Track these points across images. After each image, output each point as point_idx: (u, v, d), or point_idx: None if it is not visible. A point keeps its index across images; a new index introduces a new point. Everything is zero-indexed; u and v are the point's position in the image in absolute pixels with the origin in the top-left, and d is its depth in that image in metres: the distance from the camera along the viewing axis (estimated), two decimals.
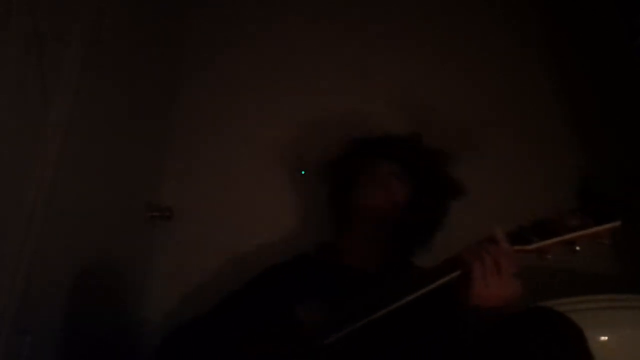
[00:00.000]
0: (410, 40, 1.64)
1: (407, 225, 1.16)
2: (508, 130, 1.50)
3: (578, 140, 1.45)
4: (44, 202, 0.93)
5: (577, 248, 0.78)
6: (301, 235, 1.43)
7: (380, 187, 1.16)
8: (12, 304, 0.86)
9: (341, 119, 1.54)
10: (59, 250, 0.99)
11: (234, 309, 1.07)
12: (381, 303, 0.82)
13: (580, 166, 1.37)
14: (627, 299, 0.99)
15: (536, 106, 1.53)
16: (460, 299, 0.81)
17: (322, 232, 1.31)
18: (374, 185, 1.17)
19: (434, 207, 1.21)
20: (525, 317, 0.81)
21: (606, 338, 0.87)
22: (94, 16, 1.10)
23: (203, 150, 1.59)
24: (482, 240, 0.83)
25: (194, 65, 1.67)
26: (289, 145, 1.53)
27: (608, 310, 0.97)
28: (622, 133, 1.41)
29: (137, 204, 1.40)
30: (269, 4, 1.73)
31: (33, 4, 0.92)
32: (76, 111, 1.02)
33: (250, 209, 1.49)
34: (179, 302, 1.40)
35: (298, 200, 1.48)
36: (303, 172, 1.49)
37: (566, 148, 1.45)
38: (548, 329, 0.76)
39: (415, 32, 1.65)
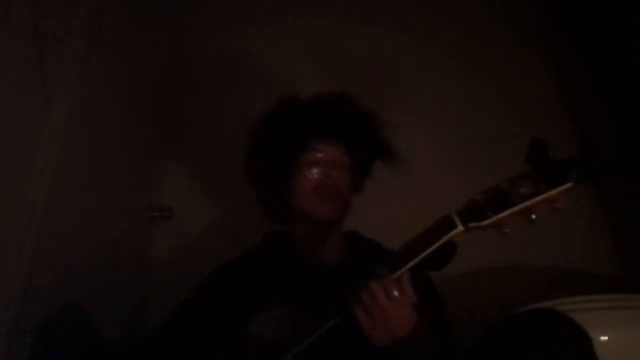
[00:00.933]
0: (410, 40, 1.64)
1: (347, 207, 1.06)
2: (508, 130, 1.50)
3: (578, 140, 1.45)
4: (44, 201, 0.93)
5: (533, 216, 0.73)
6: None
7: (337, 196, 1.01)
8: (12, 304, 0.87)
9: None
10: (58, 250, 0.99)
11: (186, 318, 0.99)
12: (319, 323, 0.80)
13: None
14: (627, 299, 0.99)
15: (536, 106, 1.53)
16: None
17: None
18: (332, 194, 1.01)
19: (366, 174, 1.11)
20: (525, 318, 0.81)
21: (606, 338, 0.87)
22: (93, 16, 1.10)
23: (203, 150, 1.59)
24: (363, 281, 0.78)
25: (194, 65, 1.67)
26: None
27: (608, 310, 0.97)
28: (622, 133, 1.41)
29: (137, 204, 1.40)
30: (269, 4, 1.73)
31: (33, 4, 0.92)
32: (76, 111, 1.02)
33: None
34: (179, 302, 1.39)
35: None
36: None
37: (566, 147, 1.45)
38: (548, 329, 0.76)
39: (415, 32, 1.65)
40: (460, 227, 0.76)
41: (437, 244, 0.77)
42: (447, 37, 1.63)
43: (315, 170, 1.02)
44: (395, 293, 0.76)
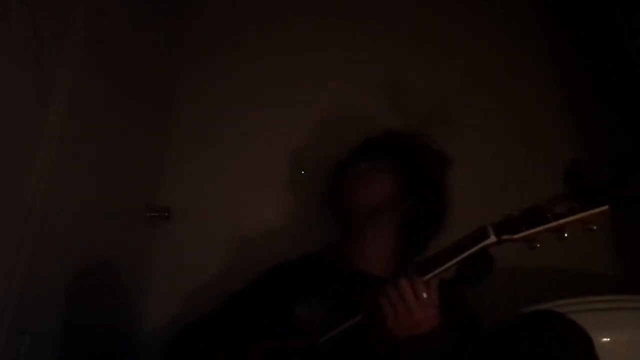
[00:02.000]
0: (411, 40, 1.64)
1: (410, 214, 1.13)
2: (508, 129, 1.50)
3: (578, 140, 1.45)
4: (42, 201, 0.93)
5: (566, 235, 0.75)
6: (301, 236, 1.43)
7: (360, 185, 1.15)
8: (10, 304, 0.86)
9: (339, 117, 1.54)
10: (57, 250, 0.99)
11: (239, 308, 1.07)
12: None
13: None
14: (628, 300, 0.99)
15: (536, 105, 1.52)
16: (378, 337, 0.82)
17: (323, 233, 1.31)
18: (355, 184, 1.15)
19: (429, 183, 1.18)
20: (526, 319, 0.81)
21: (608, 339, 0.86)
22: (93, 16, 1.10)
23: (202, 150, 1.58)
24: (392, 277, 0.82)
25: (193, 66, 1.66)
26: (289, 145, 1.53)
27: (609, 312, 0.97)
28: (622, 133, 1.40)
29: (136, 204, 1.40)
30: (269, 4, 1.73)
31: (32, 3, 0.91)
32: (75, 111, 1.02)
33: (249, 209, 1.49)
34: (178, 302, 1.39)
35: (298, 201, 1.48)
36: (303, 172, 1.49)
37: (567, 147, 1.45)
38: (548, 330, 0.76)
39: (416, 32, 1.65)
40: (493, 238, 0.78)
41: (468, 252, 0.80)
42: (447, 36, 1.62)
43: (349, 171, 1.19)
44: (424, 294, 0.79)
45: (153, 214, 1.43)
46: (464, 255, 0.80)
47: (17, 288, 0.87)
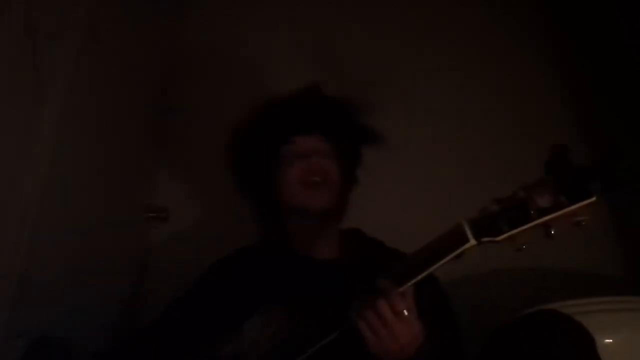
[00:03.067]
0: (409, 36, 1.63)
1: (342, 200, 1.04)
2: (508, 129, 1.50)
3: (578, 140, 1.45)
4: (38, 203, 0.92)
5: (553, 232, 0.67)
6: None
7: (323, 183, 0.99)
8: (5, 306, 0.85)
9: None
10: (53, 251, 0.98)
11: (182, 313, 1.00)
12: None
13: None
14: (631, 301, 0.99)
15: (536, 105, 1.52)
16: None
17: None
18: (318, 180, 0.99)
19: (356, 162, 1.09)
20: (527, 319, 0.80)
21: (610, 340, 0.86)
22: (89, 14, 1.09)
23: (200, 151, 1.58)
24: (365, 292, 0.75)
25: (191, 65, 1.66)
26: None
27: (612, 313, 0.97)
28: (623, 133, 1.40)
29: (133, 205, 1.39)
30: (268, 5, 1.72)
31: (28, 3, 0.90)
32: (71, 110, 1.01)
33: (246, 210, 1.48)
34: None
35: None
36: None
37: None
38: (549, 329, 0.75)
39: (415, 31, 1.64)
40: (473, 241, 0.71)
41: (447, 259, 0.72)
42: (447, 36, 1.62)
43: (295, 163, 1.01)
44: (405, 312, 0.72)
45: (151, 215, 1.43)
46: (442, 261, 0.72)
47: (12, 291, 0.86)
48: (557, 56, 1.56)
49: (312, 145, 1.02)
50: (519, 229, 0.68)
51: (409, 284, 0.74)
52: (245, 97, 1.57)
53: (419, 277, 0.73)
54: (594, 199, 0.65)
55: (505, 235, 0.69)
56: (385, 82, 1.53)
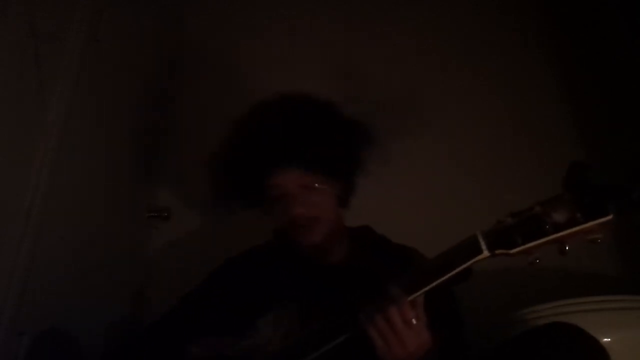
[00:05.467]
0: (410, 39, 1.63)
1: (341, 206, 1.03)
2: (508, 128, 1.50)
3: (578, 140, 1.45)
4: (41, 202, 0.92)
5: (567, 247, 0.67)
6: None
7: (308, 219, 0.95)
8: (9, 305, 0.86)
9: None
10: (56, 250, 0.98)
11: (196, 306, 1.00)
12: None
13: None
14: (630, 300, 0.99)
15: (536, 106, 1.52)
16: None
17: None
18: (302, 219, 0.94)
19: (353, 168, 1.02)
20: (542, 332, 0.78)
21: (609, 339, 0.86)
22: (91, 15, 1.09)
23: (201, 151, 1.58)
24: (376, 299, 0.75)
25: (192, 65, 1.66)
26: None
27: (611, 312, 0.97)
28: (623, 133, 1.40)
29: (136, 205, 1.39)
30: (267, 3, 1.73)
31: (30, 2, 0.91)
32: (73, 110, 1.01)
33: (247, 210, 1.48)
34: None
35: None
36: None
37: (567, 147, 1.45)
38: (564, 343, 0.73)
39: (416, 32, 1.64)
40: (486, 253, 0.71)
41: (458, 269, 0.72)
42: (448, 36, 1.62)
43: (281, 209, 0.97)
44: (413, 320, 0.73)
45: (153, 214, 1.43)
46: (454, 272, 0.72)
47: (16, 289, 0.87)
48: (557, 56, 1.56)
49: (292, 183, 0.95)
50: (533, 243, 0.69)
51: (420, 292, 0.74)
52: (245, 96, 1.59)
53: (431, 286, 0.74)
54: (610, 217, 0.65)
55: (519, 248, 0.69)
56: (386, 85, 1.54)
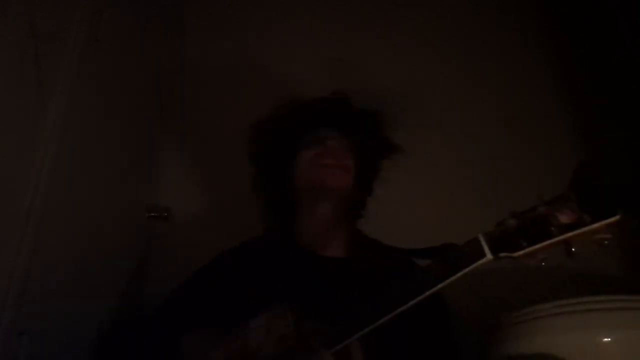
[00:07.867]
0: (410, 40, 1.63)
1: (355, 200, 1.08)
2: (508, 129, 1.50)
3: (578, 140, 1.45)
4: (41, 202, 0.92)
5: (573, 249, 0.65)
6: None
7: (338, 165, 1.04)
8: (9, 305, 0.85)
9: None
10: (56, 250, 0.98)
11: (185, 302, 1.00)
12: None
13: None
14: (630, 300, 0.98)
15: (536, 105, 1.53)
16: None
17: None
18: (332, 162, 1.03)
19: (374, 173, 1.13)
20: None
21: (609, 339, 0.86)
22: (91, 15, 1.09)
23: (201, 151, 1.58)
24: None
25: (193, 66, 1.66)
26: None
27: (611, 311, 0.96)
28: (622, 133, 1.40)
29: (135, 205, 1.39)
30: (269, 6, 1.73)
31: (30, 2, 0.91)
32: (73, 110, 1.01)
33: (248, 210, 1.49)
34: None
35: None
36: None
37: (566, 147, 1.45)
38: None
39: (415, 32, 1.64)
40: (489, 256, 0.69)
41: (461, 273, 0.70)
42: (448, 37, 1.63)
43: (313, 146, 1.07)
44: None
45: (153, 214, 1.43)
46: (456, 276, 0.70)
47: (16, 289, 0.86)
48: (557, 56, 1.56)
49: (334, 138, 1.07)
50: (539, 245, 0.67)
51: (423, 296, 0.72)
52: (247, 95, 1.59)
53: (433, 290, 0.72)
54: (618, 217, 0.63)
55: (524, 251, 0.68)
56: (388, 87, 1.54)
